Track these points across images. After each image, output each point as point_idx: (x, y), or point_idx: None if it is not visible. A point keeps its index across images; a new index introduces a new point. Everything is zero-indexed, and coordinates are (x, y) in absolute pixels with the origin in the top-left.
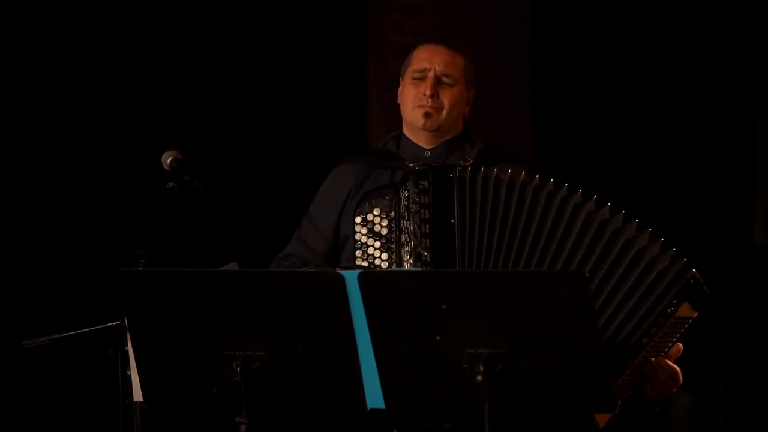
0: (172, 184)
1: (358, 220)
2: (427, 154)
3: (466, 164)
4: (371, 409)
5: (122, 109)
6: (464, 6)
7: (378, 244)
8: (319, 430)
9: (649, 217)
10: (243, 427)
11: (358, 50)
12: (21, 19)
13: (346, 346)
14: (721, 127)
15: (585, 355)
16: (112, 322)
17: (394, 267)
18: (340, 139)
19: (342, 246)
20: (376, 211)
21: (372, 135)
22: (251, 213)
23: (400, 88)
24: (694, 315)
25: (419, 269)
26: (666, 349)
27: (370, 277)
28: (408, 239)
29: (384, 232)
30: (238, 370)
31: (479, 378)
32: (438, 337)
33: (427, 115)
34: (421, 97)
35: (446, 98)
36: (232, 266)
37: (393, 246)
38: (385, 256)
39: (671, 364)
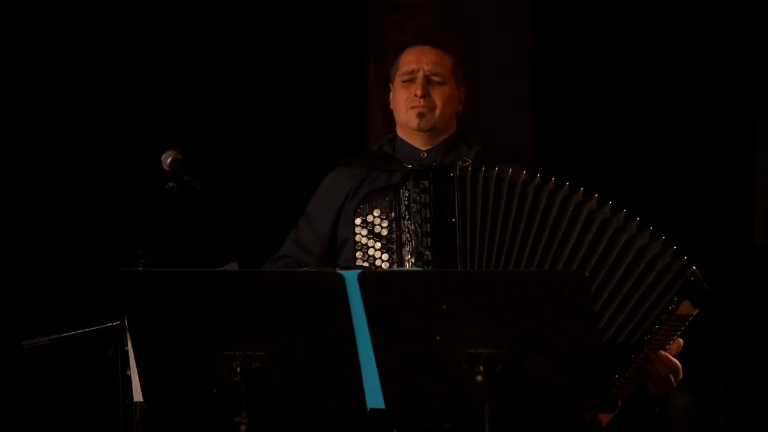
0: (172, 184)
1: (358, 221)
2: (423, 155)
3: (466, 164)
4: (371, 409)
5: (122, 109)
6: (464, 6)
7: (378, 245)
8: (319, 430)
9: (649, 217)
10: (243, 427)
11: (358, 50)
12: (21, 19)
13: (346, 346)
14: (721, 127)
15: (585, 355)
16: (112, 322)
17: (395, 267)
18: (340, 139)
19: (340, 248)
20: (376, 212)
21: (372, 135)
22: (251, 213)
23: (391, 94)
24: (695, 312)
25: (419, 269)
26: (666, 347)
27: (370, 277)
28: (409, 238)
29: (384, 233)
30: (238, 370)
31: (479, 378)
32: (438, 337)
33: (420, 115)
34: (413, 98)
35: (437, 97)
36: (232, 266)
37: (394, 246)
38: (385, 256)
39: (672, 358)
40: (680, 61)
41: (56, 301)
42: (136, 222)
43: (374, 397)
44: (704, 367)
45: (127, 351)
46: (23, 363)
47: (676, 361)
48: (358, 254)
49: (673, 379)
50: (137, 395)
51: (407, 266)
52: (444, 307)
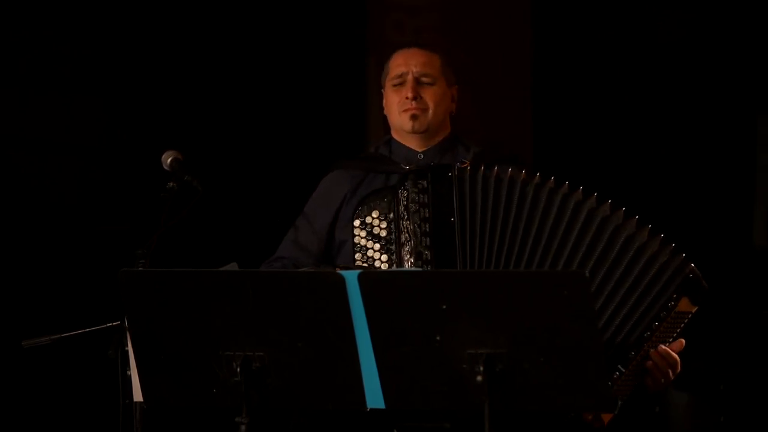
0: (172, 184)
1: (356, 223)
2: (420, 156)
3: (464, 164)
4: (371, 409)
5: (122, 109)
6: (464, 6)
7: (377, 246)
8: (319, 430)
9: (649, 216)
10: (243, 427)
11: (358, 50)
12: (21, 19)
13: (346, 346)
14: (721, 127)
15: (585, 355)
16: (112, 322)
17: (394, 268)
18: (340, 139)
19: (338, 251)
20: (375, 214)
21: (372, 135)
22: (251, 213)
23: (384, 100)
24: (693, 310)
25: (419, 269)
26: (666, 344)
27: (370, 277)
28: (408, 238)
29: (383, 234)
30: (238, 370)
31: (479, 378)
32: (438, 337)
33: (413, 117)
34: (404, 101)
35: (429, 98)
36: (232, 266)
37: (393, 247)
38: (384, 257)
39: (671, 353)
40: (680, 61)
41: (56, 301)
42: (136, 222)
43: (374, 397)
44: (704, 367)
45: (127, 351)
46: (23, 363)
47: (676, 356)
48: (357, 256)
49: (671, 374)
50: (137, 395)
51: (407, 266)
52: (444, 307)
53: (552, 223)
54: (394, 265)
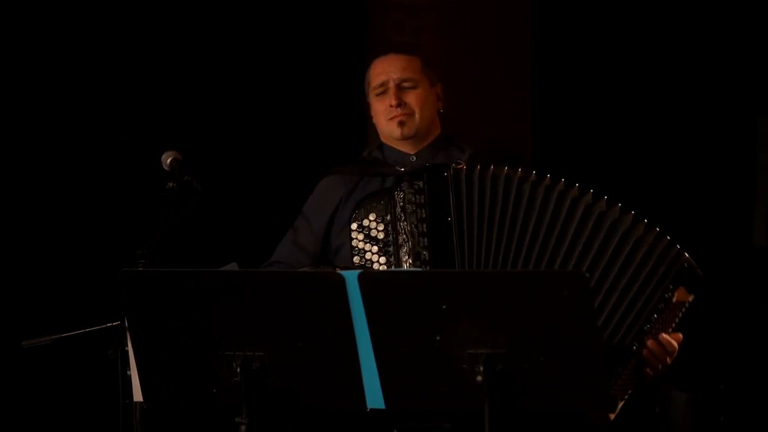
0: (172, 184)
1: (353, 226)
2: (413, 159)
3: (460, 165)
4: (371, 409)
5: (122, 109)
6: (464, 6)
7: (375, 248)
8: (319, 430)
9: (649, 216)
10: (243, 427)
11: (358, 50)
12: (21, 19)
13: (346, 346)
14: (721, 127)
15: (585, 355)
16: (112, 322)
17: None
18: (340, 139)
19: (335, 255)
20: (372, 216)
21: (371, 135)
22: (251, 213)
23: (370, 110)
24: (690, 299)
25: (419, 269)
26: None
27: (370, 277)
28: (406, 239)
29: (381, 236)
30: (238, 370)
31: (479, 378)
32: (438, 337)
33: (401, 123)
34: (389, 109)
35: (413, 102)
36: (232, 266)
37: (390, 249)
38: (383, 260)
39: (670, 340)
40: (680, 61)
41: (56, 301)
42: (136, 222)
43: (374, 397)
44: (704, 367)
45: (127, 351)
46: (23, 363)
47: (675, 344)
48: (356, 259)
49: (669, 360)
50: (137, 395)
51: (405, 267)
52: (444, 307)
53: (549, 220)
54: (393, 267)
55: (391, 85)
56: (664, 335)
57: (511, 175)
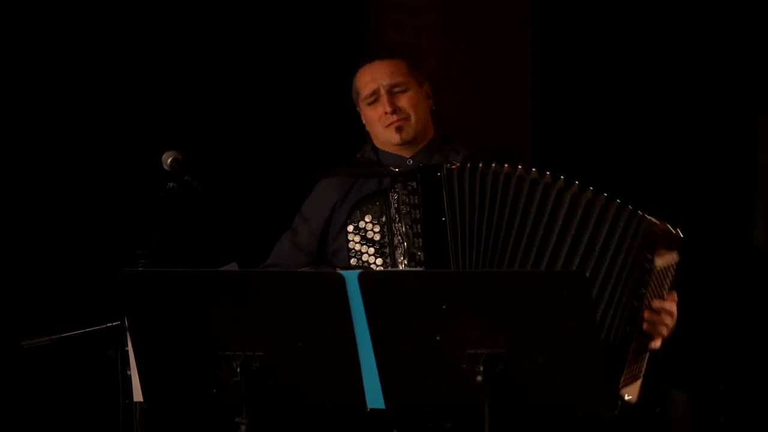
0: (172, 184)
1: (350, 228)
2: (409, 162)
3: (454, 166)
4: (371, 409)
5: (122, 109)
6: (464, 6)
7: (372, 250)
8: (319, 430)
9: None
10: (243, 427)
11: (358, 50)
12: (21, 19)
13: (346, 346)
14: (721, 127)
15: (585, 355)
16: (112, 322)
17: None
18: (340, 139)
19: (333, 257)
20: (368, 218)
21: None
22: (251, 213)
23: (362, 117)
24: (676, 257)
25: (419, 269)
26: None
27: (370, 277)
28: (401, 241)
29: (377, 237)
30: (238, 370)
31: (479, 378)
32: (438, 337)
33: (399, 129)
34: (385, 116)
35: (406, 105)
36: (232, 266)
37: (386, 251)
38: (379, 261)
39: (664, 303)
40: (680, 61)
41: (56, 301)
42: (136, 222)
43: (374, 397)
44: (704, 367)
45: (127, 351)
46: (23, 363)
47: (670, 306)
48: (353, 261)
49: (670, 322)
50: (137, 395)
51: (401, 268)
52: (444, 307)
53: (540, 216)
54: (389, 268)
55: (383, 92)
56: (656, 301)
57: (499, 171)
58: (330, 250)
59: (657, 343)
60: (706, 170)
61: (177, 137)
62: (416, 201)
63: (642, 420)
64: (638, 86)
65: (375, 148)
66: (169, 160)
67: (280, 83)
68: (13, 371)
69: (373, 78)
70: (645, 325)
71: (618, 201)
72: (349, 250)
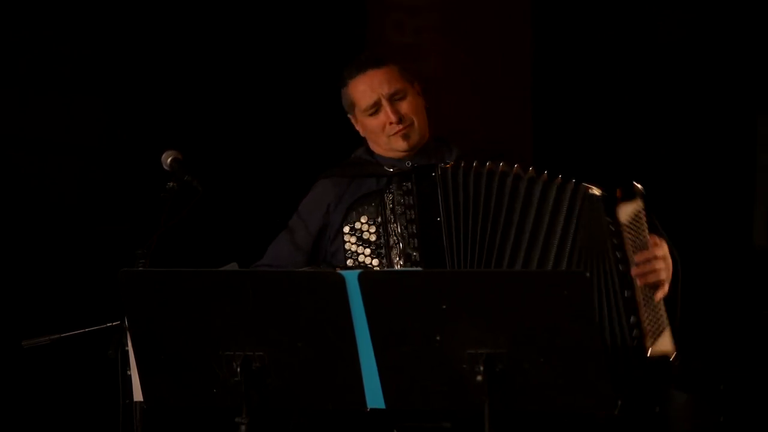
0: (172, 184)
1: (346, 229)
2: (407, 164)
3: (448, 165)
4: (371, 409)
5: (122, 109)
6: (464, 6)
7: (368, 251)
8: (319, 430)
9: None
10: (243, 427)
11: (358, 50)
12: (21, 19)
13: (346, 346)
14: (721, 127)
15: (585, 355)
16: (112, 322)
17: None
18: (340, 139)
19: (331, 258)
20: (363, 219)
21: None
22: (251, 213)
23: (357, 126)
24: (638, 205)
25: (419, 269)
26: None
27: (370, 277)
28: (396, 241)
29: (373, 238)
30: (238, 370)
31: (479, 378)
32: (438, 337)
33: (405, 137)
34: (389, 126)
35: (408, 111)
36: (232, 266)
37: (383, 251)
38: (375, 262)
39: (644, 252)
40: (680, 61)
41: (56, 301)
42: (136, 222)
43: (374, 397)
44: (704, 367)
45: (127, 351)
46: (23, 363)
47: (652, 250)
48: (349, 261)
49: (661, 264)
50: (137, 395)
51: (397, 268)
52: (444, 307)
53: (535, 213)
54: (386, 269)
55: (384, 102)
56: (640, 254)
57: (493, 170)
58: (326, 251)
59: (664, 290)
60: (706, 170)
61: (177, 137)
62: (411, 201)
63: (642, 420)
64: (638, 86)
65: (369, 151)
66: (169, 160)
67: (280, 83)
68: (13, 371)
69: (371, 88)
70: (640, 281)
71: (605, 194)
72: (346, 251)
